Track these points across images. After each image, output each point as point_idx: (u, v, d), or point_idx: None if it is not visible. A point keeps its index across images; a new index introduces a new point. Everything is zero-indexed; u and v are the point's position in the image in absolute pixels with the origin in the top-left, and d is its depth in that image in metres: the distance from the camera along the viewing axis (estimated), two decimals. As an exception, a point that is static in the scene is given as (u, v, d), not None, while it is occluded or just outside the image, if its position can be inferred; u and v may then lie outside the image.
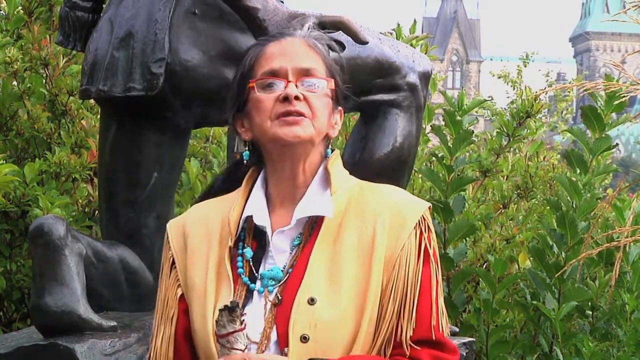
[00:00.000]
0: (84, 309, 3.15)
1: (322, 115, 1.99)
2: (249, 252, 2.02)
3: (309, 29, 2.10)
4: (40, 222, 3.22)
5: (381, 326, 1.90)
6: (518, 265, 5.04)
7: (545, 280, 4.55)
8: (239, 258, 2.02)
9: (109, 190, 3.52)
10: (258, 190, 2.05)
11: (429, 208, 1.98)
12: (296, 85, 1.98)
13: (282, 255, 2.00)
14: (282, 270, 1.98)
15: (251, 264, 2.02)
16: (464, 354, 3.65)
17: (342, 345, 1.89)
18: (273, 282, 1.98)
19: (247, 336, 1.93)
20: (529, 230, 5.16)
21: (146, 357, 3.13)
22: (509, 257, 4.97)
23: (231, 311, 1.90)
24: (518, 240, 5.09)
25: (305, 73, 2.00)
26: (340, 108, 2.05)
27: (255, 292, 1.99)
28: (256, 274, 2.00)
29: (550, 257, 4.61)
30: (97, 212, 4.32)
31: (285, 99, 1.97)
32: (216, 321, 1.92)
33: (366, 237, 1.93)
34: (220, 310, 1.91)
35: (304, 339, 1.90)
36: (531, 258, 4.81)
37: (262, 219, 2.02)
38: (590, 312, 4.75)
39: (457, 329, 4.01)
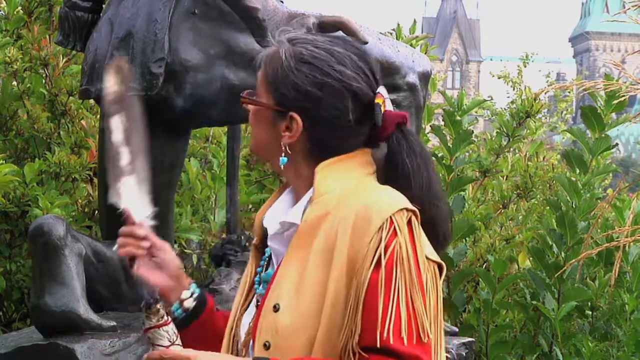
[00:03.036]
0: (84, 309, 3.15)
1: (255, 129, 2.00)
2: (268, 251, 2.03)
3: (278, 35, 2.06)
4: (40, 222, 3.22)
5: (342, 333, 1.85)
6: (518, 265, 5.05)
7: (545, 280, 4.55)
8: (264, 257, 2.04)
9: (109, 190, 3.52)
10: (288, 192, 2.05)
11: (406, 210, 1.88)
12: None
13: (280, 258, 1.99)
14: (273, 274, 1.98)
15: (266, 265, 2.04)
16: (464, 354, 3.66)
17: (302, 351, 1.86)
18: (266, 286, 1.98)
19: (174, 332, 1.93)
20: (529, 230, 5.16)
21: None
22: (509, 257, 4.97)
23: (147, 307, 1.91)
24: (518, 240, 5.09)
25: (251, 94, 2.02)
26: (290, 114, 1.94)
27: (257, 296, 2.01)
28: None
29: (550, 257, 4.62)
30: (97, 212, 4.32)
31: None
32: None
33: (330, 241, 1.89)
34: (141, 306, 1.93)
35: (265, 345, 1.89)
36: (531, 258, 4.81)
37: (268, 221, 2.02)
38: (590, 312, 4.76)
39: (457, 329, 4.01)
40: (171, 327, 1.93)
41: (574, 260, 4.14)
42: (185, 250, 4.48)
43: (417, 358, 1.81)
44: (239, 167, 4.25)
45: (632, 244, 4.50)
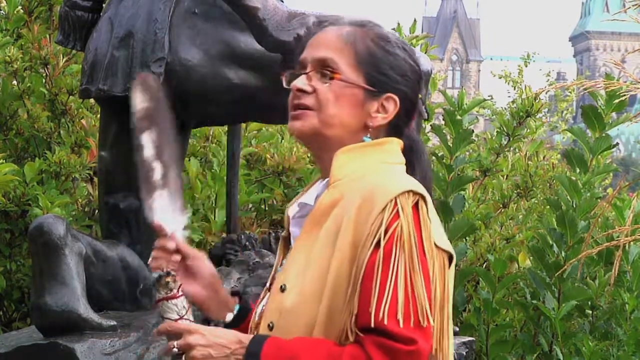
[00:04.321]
0: (84, 309, 3.15)
1: (332, 107, 1.93)
2: (293, 242, 2.02)
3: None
4: (40, 221, 3.22)
5: (342, 315, 1.84)
6: (518, 265, 5.05)
7: (545, 280, 4.55)
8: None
9: (109, 190, 3.52)
10: (318, 184, 2.04)
11: (412, 192, 1.86)
12: (309, 76, 1.95)
13: None
14: None
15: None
16: (464, 353, 3.66)
17: (303, 333, 1.86)
18: None
19: (184, 306, 1.93)
20: (529, 229, 5.16)
21: (147, 355, 3.13)
22: (509, 257, 4.97)
23: (158, 279, 1.92)
24: (518, 239, 5.09)
25: (321, 63, 1.95)
26: (389, 95, 1.96)
27: None
28: None
29: (550, 256, 4.61)
30: (97, 211, 4.32)
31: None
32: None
33: (337, 224, 1.88)
34: (153, 278, 1.93)
35: (269, 326, 1.90)
36: (531, 257, 4.81)
37: (291, 209, 2.02)
38: (590, 312, 4.75)
39: (457, 329, 4.01)
40: (181, 301, 1.92)
41: (574, 259, 4.14)
42: (186, 250, 4.47)
43: (413, 341, 1.79)
44: (239, 166, 4.25)
45: (632, 243, 4.50)
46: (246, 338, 1.85)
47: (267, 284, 2.03)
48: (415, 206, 1.87)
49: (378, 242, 1.83)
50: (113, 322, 3.19)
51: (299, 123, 1.95)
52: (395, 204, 1.85)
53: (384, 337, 1.79)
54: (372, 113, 1.96)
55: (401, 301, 1.80)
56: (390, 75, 1.97)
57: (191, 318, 1.92)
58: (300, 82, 1.95)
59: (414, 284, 1.82)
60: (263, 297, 2.01)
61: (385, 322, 1.79)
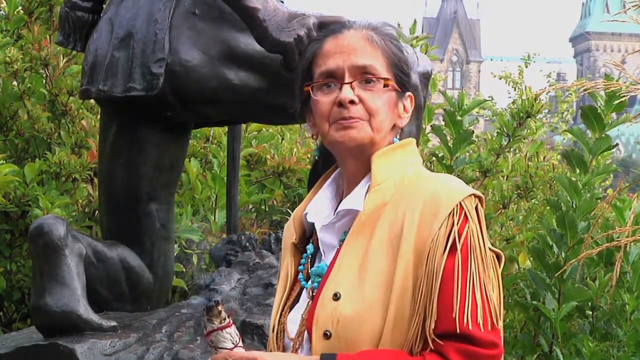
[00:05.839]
0: (84, 309, 3.15)
1: (382, 113, 1.94)
2: (310, 248, 2.02)
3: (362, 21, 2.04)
4: (40, 222, 3.22)
5: (412, 321, 1.84)
6: (518, 265, 5.04)
7: (545, 280, 4.54)
8: (304, 255, 2.03)
9: (109, 190, 3.52)
10: (327, 186, 2.04)
11: (474, 196, 1.90)
12: (352, 86, 1.94)
13: (332, 252, 1.97)
14: (327, 266, 1.96)
15: (310, 261, 2.02)
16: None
17: (367, 341, 1.84)
18: (319, 279, 1.95)
19: (237, 334, 1.91)
20: (529, 230, 5.16)
21: (147, 355, 3.13)
22: (509, 257, 4.97)
23: (209, 310, 1.89)
24: (518, 240, 5.09)
25: (363, 71, 1.94)
26: (408, 94, 1.99)
27: (306, 290, 1.98)
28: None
29: (550, 257, 4.61)
30: (97, 212, 4.32)
31: (341, 104, 1.93)
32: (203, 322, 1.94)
33: (396, 229, 1.88)
34: (202, 309, 1.91)
35: (326, 335, 1.87)
36: (531, 258, 4.80)
37: (313, 215, 2.01)
38: (590, 312, 4.75)
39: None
40: (233, 329, 1.90)
41: (574, 260, 4.13)
42: (186, 250, 4.48)
43: (494, 344, 1.82)
44: (239, 167, 4.25)
45: (632, 244, 4.50)
46: None
47: (284, 292, 2.00)
48: (476, 209, 1.90)
49: (452, 247, 1.84)
50: (113, 323, 3.19)
51: (354, 132, 1.94)
52: (462, 208, 1.87)
53: (466, 343, 1.80)
54: (401, 113, 1.99)
55: (480, 305, 1.83)
56: (408, 74, 2.00)
57: (242, 345, 1.90)
58: (349, 93, 1.94)
59: (487, 287, 1.85)
60: (289, 304, 1.99)
61: (470, 327, 1.81)
